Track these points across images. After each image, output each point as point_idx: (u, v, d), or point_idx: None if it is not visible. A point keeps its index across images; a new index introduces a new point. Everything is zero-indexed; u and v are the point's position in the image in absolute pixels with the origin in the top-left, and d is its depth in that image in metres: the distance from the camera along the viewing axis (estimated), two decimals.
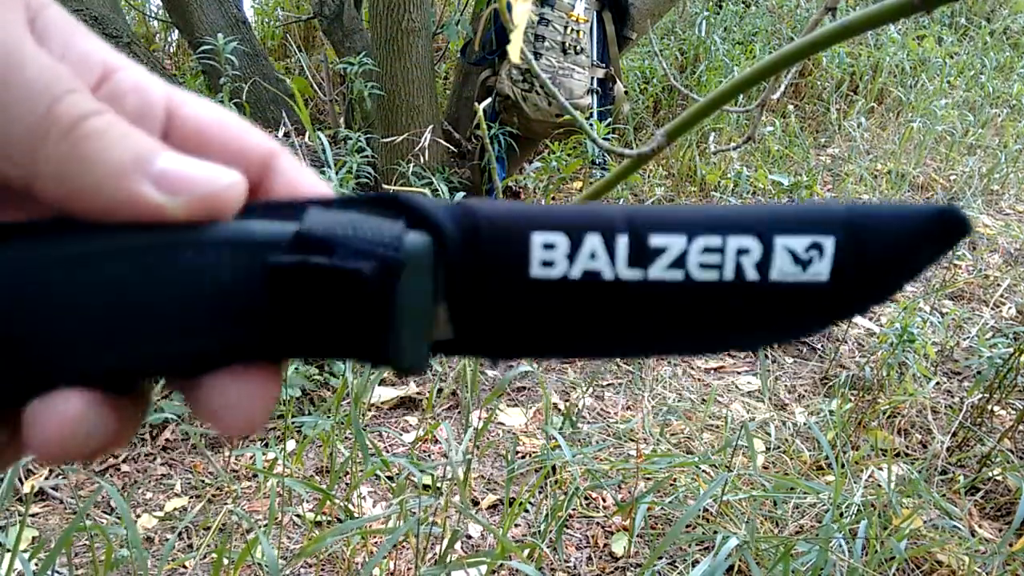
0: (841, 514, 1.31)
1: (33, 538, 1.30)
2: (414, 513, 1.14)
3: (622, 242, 0.20)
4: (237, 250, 0.19)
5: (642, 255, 0.20)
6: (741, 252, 0.20)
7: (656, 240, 0.20)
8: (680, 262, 0.20)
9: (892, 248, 0.20)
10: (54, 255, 0.19)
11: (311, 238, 0.19)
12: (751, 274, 0.20)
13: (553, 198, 2.58)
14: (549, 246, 0.20)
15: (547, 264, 0.20)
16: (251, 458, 1.50)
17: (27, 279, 0.18)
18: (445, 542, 1.19)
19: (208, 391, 0.20)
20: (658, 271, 0.20)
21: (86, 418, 0.19)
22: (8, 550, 1.07)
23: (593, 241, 0.20)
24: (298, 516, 1.39)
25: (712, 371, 1.95)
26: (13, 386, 0.19)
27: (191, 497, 1.44)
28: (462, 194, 2.09)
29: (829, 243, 0.20)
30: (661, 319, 0.21)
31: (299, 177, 0.22)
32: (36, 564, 1.02)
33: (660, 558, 1.32)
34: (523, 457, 1.56)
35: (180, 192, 0.19)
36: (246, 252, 0.19)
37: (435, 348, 0.21)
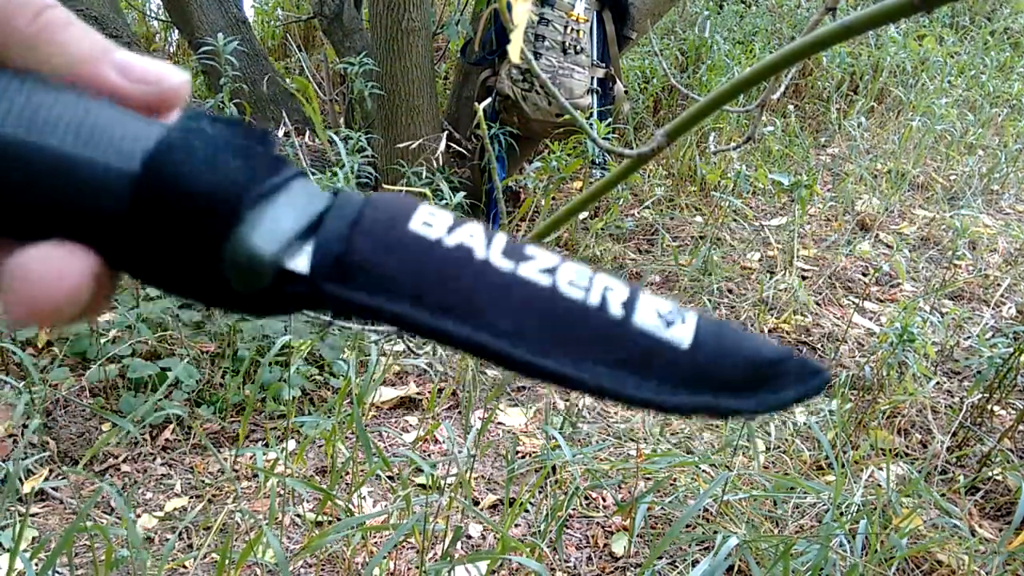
0: (841, 514, 1.31)
1: (33, 538, 1.30)
2: (416, 511, 1.14)
3: (500, 238, 0.21)
4: (133, 122, 0.21)
5: (516, 254, 0.21)
6: (607, 288, 0.20)
7: (530, 250, 0.21)
8: (550, 272, 0.20)
9: (752, 348, 0.20)
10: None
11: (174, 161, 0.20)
12: (615, 308, 0.20)
13: (553, 198, 2.58)
14: (432, 215, 0.21)
15: (426, 224, 0.21)
16: (251, 458, 1.50)
17: None
18: (447, 540, 1.20)
19: (24, 255, 0.20)
20: (529, 270, 0.20)
21: None
22: (8, 550, 1.07)
23: (474, 226, 0.21)
24: (298, 516, 1.39)
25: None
26: None
27: (191, 497, 1.44)
28: (462, 194, 2.09)
29: (691, 315, 0.21)
30: (522, 312, 0.20)
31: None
32: (36, 564, 1.02)
33: (660, 558, 1.32)
34: (523, 457, 1.56)
35: (139, 80, 0.22)
36: (142, 125, 0.21)
37: (282, 284, 0.20)
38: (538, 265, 0.21)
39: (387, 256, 0.20)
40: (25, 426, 1.54)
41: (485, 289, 0.20)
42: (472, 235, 0.21)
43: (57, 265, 0.19)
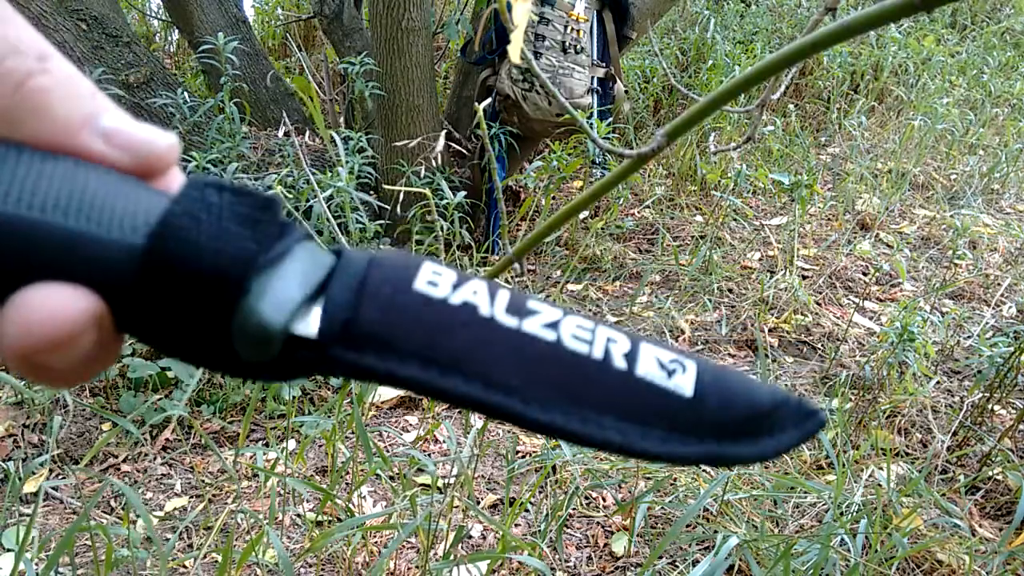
0: (841, 513, 1.31)
1: (33, 538, 1.30)
2: (418, 510, 1.14)
3: (504, 293, 0.21)
4: (154, 191, 0.21)
5: (519, 310, 0.21)
6: (610, 340, 0.21)
7: (533, 304, 0.21)
8: (553, 326, 0.21)
9: (751, 396, 0.21)
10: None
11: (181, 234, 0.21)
12: (619, 361, 0.21)
13: (553, 198, 2.58)
14: (437, 273, 0.21)
15: (432, 284, 0.21)
16: (251, 458, 1.50)
17: None
18: (450, 539, 1.20)
19: (17, 298, 0.19)
20: (533, 325, 0.21)
21: None
22: (9, 550, 1.07)
23: (478, 283, 0.21)
24: (298, 516, 1.39)
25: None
26: None
27: (191, 497, 1.44)
28: (463, 194, 2.09)
29: (691, 364, 0.21)
30: (528, 368, 0.20)
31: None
32: (37, 564, 1.01)
33: (660, 557, 1.32)
34: (523, 456, 1.56)
35: (124, 148, 0.21)
36: (163, 194, 0.21)
37: (291, 349, 0.21)
38: (542, 320, 0.21)
39: (394, 319, 0.20)
40: (25, 426, 1.54)
41: (492, 348, 0.20)
42: (476, 292, 0.21)
43: (57, 299, 0.19)
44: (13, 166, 0.20)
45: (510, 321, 0.21)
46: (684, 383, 0.21)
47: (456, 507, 1.22)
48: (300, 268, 0.21)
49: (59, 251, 0.19)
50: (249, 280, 0.20)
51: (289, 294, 0.20)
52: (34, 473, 1.46)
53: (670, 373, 0.21)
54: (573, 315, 0.21)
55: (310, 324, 0.21)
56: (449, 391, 0.20)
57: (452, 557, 1.15)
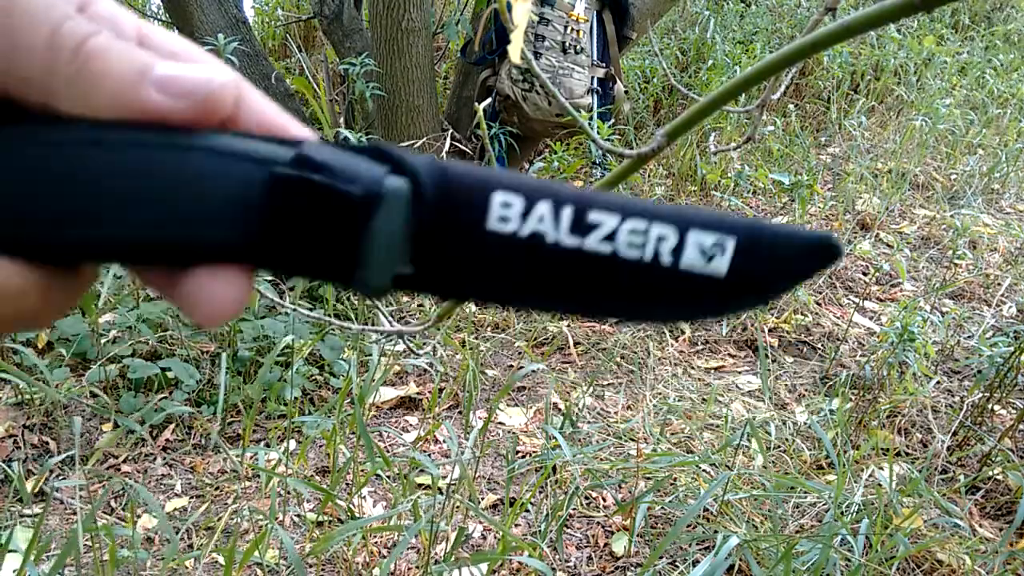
0: (841, 513, 1.31)
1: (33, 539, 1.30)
2: (422, 513, 1.14)
3: (567, 211, 0.24)
4: (241, 160, 0.22)
5: (581, 226, 0.24)
6: (660, 239, 0.24)
7: (594, 216, 0.24)
8: (611, 237, 0.24)
9: (779, 259, 0.25)
10: (83, 138, 0.21)
11: (310, 161, 0.22)
12: (666, 259, 0.24)
13: None
14: (506, 204, 0.24)
15: (502, 220, 0.24)
16: (253, 457, 1.50)
17: (58, 157, 0.21)
18: (451, 541, 1.20)
19: (190, 283, 0.22)
20: (592, 242, 0.24)
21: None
22: (10, 551, 1.07)
23: (544, 207, 0.24)
24: (298, 516, 1.39)
25: (712, 371, 1.95)
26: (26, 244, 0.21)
27: (191, 498, 1.44)
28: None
29: (730, 243, 0.24)
30: (589, 284, 0.24)
31: (266, 109, 0.24)
32: (38, 565, 1.01)
33: (660, 557, 1.32)
34: (523, 457, 1.56)
35: (181, 95, 0.21)
36: (250, 163, 0.22)
37: (396, 282, 0.24)
38: (601, 234, 0.24)
39: (470, 264, 0.24)
40: (26, 427, 1.54)
41: (557, 273, 0.24)
42: (542, 218, 0.24)
43: (223, 288, 0.22)
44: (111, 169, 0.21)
45: (573, 241, 0.24)
46: (720, 265, 0.24)
47: (456, 508, 1.22)
48: (388, 231, 0.23)
49: (185, 254, 0.22)
50: (351, 265, 0.23)
51: (386, 261, 0.23)
52: (33, 473, 1.46)
53: (710, 259, 0.24)
54: (631, 218, 0.24)
55: (406, 263, 0.24)
56: (518, 308, 0.25)
57: (453, 558, 1.15)
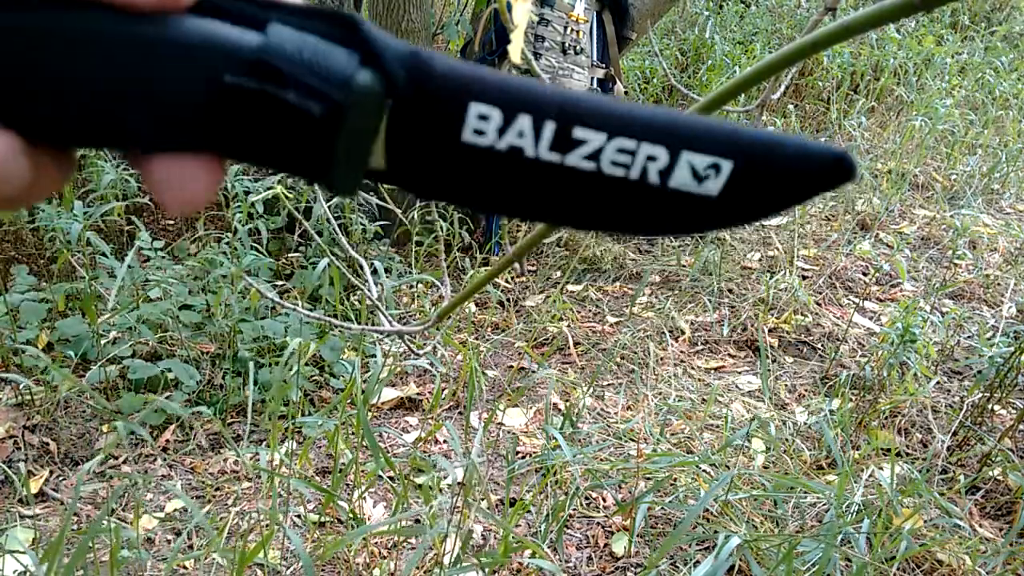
0: (841, 513, 1.31)
1: (33, 539, 1.30)
2: (423, 516, 1.14)
3: (549, 128, 0.23)
4: (202, 53, 0.21)
5: (564, 142, 0.23)
6: (650, 158, 0.23)
7: (579, 132, 0.23)
8: (595, 156, 0.23)
9: (780, 179, 0.23)
10: (49, 24, 0.21)
11: (270, 66, 0.21)
12: (653, 178, 0.23)
13: None
14: (483, 117, 0.22)
15: (478, 132, 0.22)
16: (254, 457, 1.50)
17: (26, 37, 0.20)
18: (459, 542, 1.20)
19: (156, 168, 0.22)
20: (574, 159, 0.23)
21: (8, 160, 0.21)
22: (10, 551, 1.07)
23: (524, 121, 0.22)
24: (298, 517, 1.39)
25: (712, 371, 1.95)
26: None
27: (192, 498, 1.44)
28: None
29: (727, 166, 0.23)
30: (568, 197, 0.23)
31: None
32: (37, 567, 1.01)
33: (653, 550, 1.32)
34: (523, 457, 1.56)
35: None
36: (210, 58, 0.21)
37: (367, 175, 0.23)
38: (584, 151, 0.23)
39: (445, 173, 0.23)
40: (26, 427, 1.54)
41: (534, 187, 0.23)
42: (521, 132, 0.22)
43: (193, 177, 0.23)
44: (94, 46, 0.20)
45: (553, 157, 0.23)
46: (712, 187, 0.23)
47: (457, 508, 1.22)
48: (359, 133, 0.22)
49: (152, 134, 0.21)
50: (318, 168, 0.22)
51: (354, 166, 0.22)
52: (34, 474, 1.46)
53: (702, 179, 0.23)
54: (618, 136, 0.23)
55: (379, 158, 0.23)
56: (494, 213, 0.24)
57: (460, 562, 1.15)
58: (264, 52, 0.21)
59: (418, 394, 1.78)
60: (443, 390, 1.76)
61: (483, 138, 0.22)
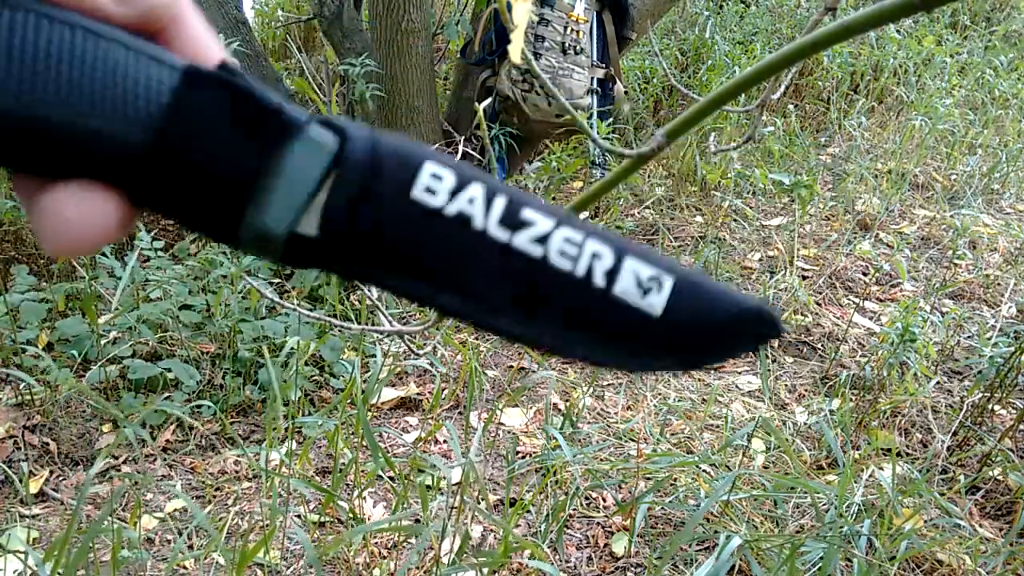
0: (841, 514, 1.31)
1: (34, 539, 1.30)
2: (428, 517, 1.14)
3: (500, 201, 0.22)
4: (159, 62, 0.21)
5: (513, 220, 0.22)
6: (595, 256, 0.22)
7: (528, 214, 0.22)
8: (543, 240, 0.22)
9: (716, 313, 0.22)
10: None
11: (233, 70, 0.21)
12: (599, 280, 0.22)
13: (554, 198, 2.58)
14: (437, 177, 0.22)
15: (430, 191, 0.22)
16: (256, 456, 1.50)
17: None
18: (457, 542, 1.20)
19: (54, 196, 0.21)
20: (522, 240, 0.22)
21: None
22: (9, 551, 1.08)
23: (476, 189, 0.22)
24: (298, 517, 1.39)
25: (712, 371, 1.95)
26: None
27: (192, 498, 1.44)
28: None
29: (668, 282, 0.22)
30: (511, 285, 0.22)
31: (203, 35, 0.23)
32: (35, 567, 1.02)
33: (659, 558, 1.32)
34: (523, 457, 1.56)
35: (130, 4, 0.21)
36: (166, 67, 0.21)
37: (291, 246, 0.22)
38: (533, 233, 0.22)
39: (388, 231, 0.22)
40: (26, 428, 1.54)
41: (479, 264, 0.22)
42: (472, 200, 0.22)
43: (89, 210, 0.21)
44: (14, 36, 0.19)
45: (501, 235, 0.22)
46: (655, 302, 0.22)
47: (455, 508, 1.22)
48: (302, 169, 0.21)
49: (70, 146, 0.20)
50: (250, 193, 0.21)
51: (291, 202, 0.21)
52: (34, 474, 1.46)
53: (645, 292, 0.22)
54: (565, 226, 0.22)
55: (312, 223, 0.22)
56: (431, 301, 0.22)
57: (459, 562, 1.15)
58: (227, 63, 0.21)
59: (418, 394, 1.78)
60: (443, 390, 1.76)
61: (433, 198, 0.22)
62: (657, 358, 0.22)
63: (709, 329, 0.22)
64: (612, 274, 0.22)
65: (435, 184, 0.22)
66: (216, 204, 0.21)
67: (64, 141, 0.20)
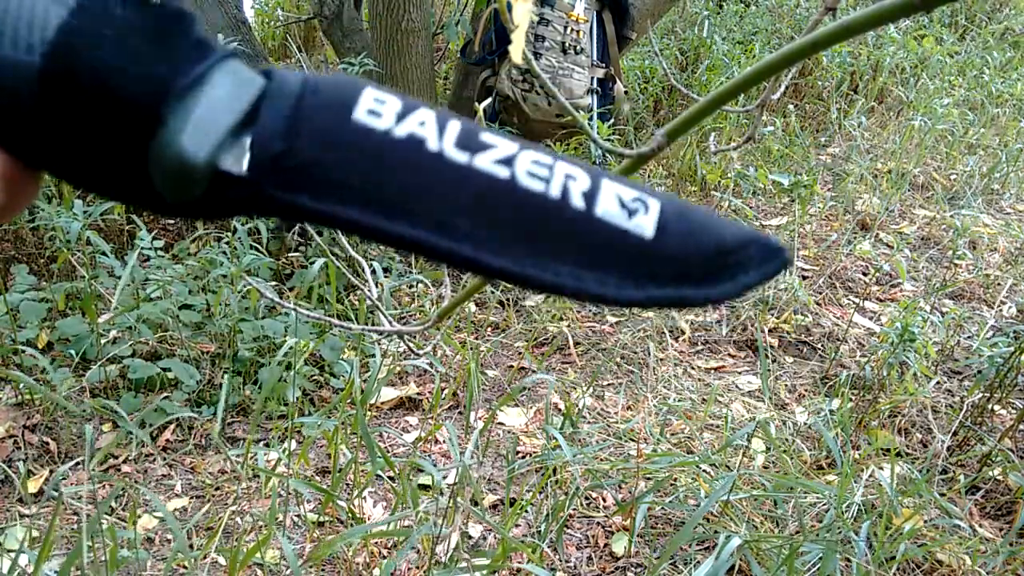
0: (841, 513, 1.31)
1: (34, 539, 1.30)
2: (424, 516, 1.14)
3: (454, 125, 0.19)
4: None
5: (471, 143, 0.19)
6: (569, 177, 0.19)
7: (487, 137, 0.19)
8: (508, 162, 0.19)
9: (716, 236, 0.20)
10: None
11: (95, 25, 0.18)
12: (577, 200, 0.19)
13: None
14: (380, 101, 0.19)
15: (373, 113, 0.19)
16: (253, 457, 1.50)
17: None
18: (452, 544, 1.20)
19: None
20: (485, 161, 0.19)
21: None
22: (9, 551, 1.08)
23: (425, 114, 0.19)
24: (298, 516, 1.39)
25: (712, 371, 1.95)
26: None
27: (192, 498, 1.44)
28: None
29: (655, 203, 0.20)
30: (479, 209, 0.19)
31: None
32: (37, 565, 1.02)
33: (658, 558, 1.32)
34: (523, 457, 1.56)
35: None
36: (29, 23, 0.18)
37: (219, 186, 0.18)
38: (496, 155, 0.19)
39: (331, 154, 0.18)
40: (26, 427, 1.54)
41: (440, 187, 0.19)
42: (424, 122, 0.19)
43: None
44: None
45: (460, 156, 0.19)
46: (645, 223, 0.19)
47: (448, 508, 1.22)
48: (224, 92, 0.18)
49: None
50: (164, 107, 0.18)
51: (213, 123, 0.18)
52: (34, 473, 1.46)
53: (631, 213, 0.19)
54: (530, 149, 0.19)
55: (239, 159, 0.18)
56: (392, 234, 0.19)
57: (456, 561, 1.16)
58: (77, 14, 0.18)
59: (418, 394, 1.78)
60: (443, 390, 1.76)
61: (378, 120, 0.19)
62: (657, 286, 0.19)
63: (708, 252, 0.19)
64: (591, 196, 0.19)
65: (378, 107, 0.19)
66: (122, 137, 0.18)
67: None
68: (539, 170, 0.19)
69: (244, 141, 0.18)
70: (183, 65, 0.18)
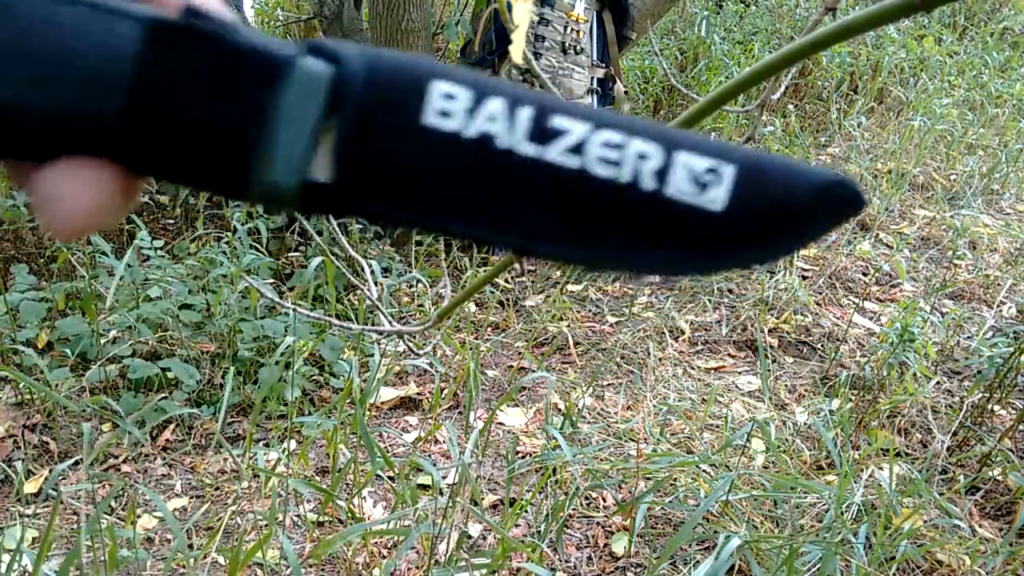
0: (841, 513, 1.31)
1: (33, 539, 1.30)
2: (423, 515, 1.14)
3: (525, 112, 0.19)
4: (122, 16, 0.19)
5: (542, 132, 0.19)
6: (641, 156, 0.19)
7: (559, 120, 0.19)
8: (579, 149, 0.19)
9: (788, 197, 0.20)
10: None
11: (202, 14, 0.19)
12: (648, 182, 0.19)
13: None
14: (450, 96, 0.19)
15: (444, 114, 0.19)
16: (252, 457, 1.50)
17: None
18: (452, 543, 1.20)
19: (45, 179, 0.20)
20: (555, 153, 0.19)
21: None
22: (8, 551, 1.07)
23: (496, 104, 0.19)
24: (298, 516, 1.39)
25: (712, 371, 1.95)
26: None
27: (191, 498, 1.44)
28: None
29: (729, 170, 0.20)
30: (550, 204, 0.20)
31: None
32: (40, 564, 1.02)
33: (658, 558, 1.32)
34: (523, 457, 1.56)
35: None
36: (130, 19, 0.19)
37: (308, 194, 0.20)
38: (566, 143, 0.19)
39: (405, 164, 0.19)
40: (26, 427, 1.54)
41: (510, 188, 0.19)
42: (493, 116, 0.19)
43: (82, 186, 0.20)
44: None
45: (530, 151, 0.19)
46: (717, 196, 0.20)
47: (448, 508, 1.22)
48: (297, 112, 0.19)
49: (41, 125, 0.19)
50: (248, 143, 0.19)
51: (293, 151, 0.19)
52: (34, 474, 1.46)
53: (703, 187, 0.20)
54: (604, 128, 0.20)
55: (325, 167, 0.19)
56: (465, 235, 0.20)
57: (454, 560, 1.16)
58: (196, 7, 0.19)
59: (418, 394, 1.78)
60: (443, 390, 1.76)
61: (448, 121, 0.19)
62: (729, 256, 0.20)
63: (781, 216, 0.20)
64: (662, 174, 0.19)
65: (448, 105, 0.19)
66: (215, 162, 0.19)
67: (33, 121, 0.19)
68: (610, 153, 0.19)
69: (327, 148, 0.19)
70: (251, 94, 0.19)
